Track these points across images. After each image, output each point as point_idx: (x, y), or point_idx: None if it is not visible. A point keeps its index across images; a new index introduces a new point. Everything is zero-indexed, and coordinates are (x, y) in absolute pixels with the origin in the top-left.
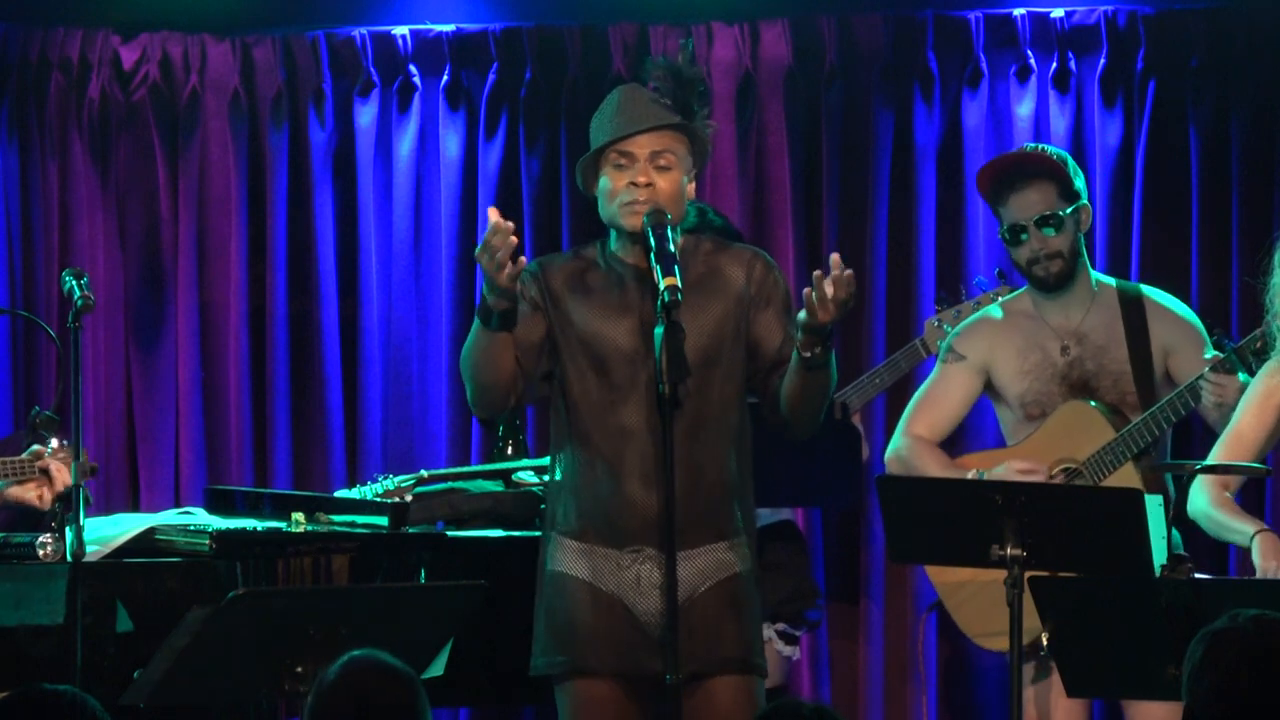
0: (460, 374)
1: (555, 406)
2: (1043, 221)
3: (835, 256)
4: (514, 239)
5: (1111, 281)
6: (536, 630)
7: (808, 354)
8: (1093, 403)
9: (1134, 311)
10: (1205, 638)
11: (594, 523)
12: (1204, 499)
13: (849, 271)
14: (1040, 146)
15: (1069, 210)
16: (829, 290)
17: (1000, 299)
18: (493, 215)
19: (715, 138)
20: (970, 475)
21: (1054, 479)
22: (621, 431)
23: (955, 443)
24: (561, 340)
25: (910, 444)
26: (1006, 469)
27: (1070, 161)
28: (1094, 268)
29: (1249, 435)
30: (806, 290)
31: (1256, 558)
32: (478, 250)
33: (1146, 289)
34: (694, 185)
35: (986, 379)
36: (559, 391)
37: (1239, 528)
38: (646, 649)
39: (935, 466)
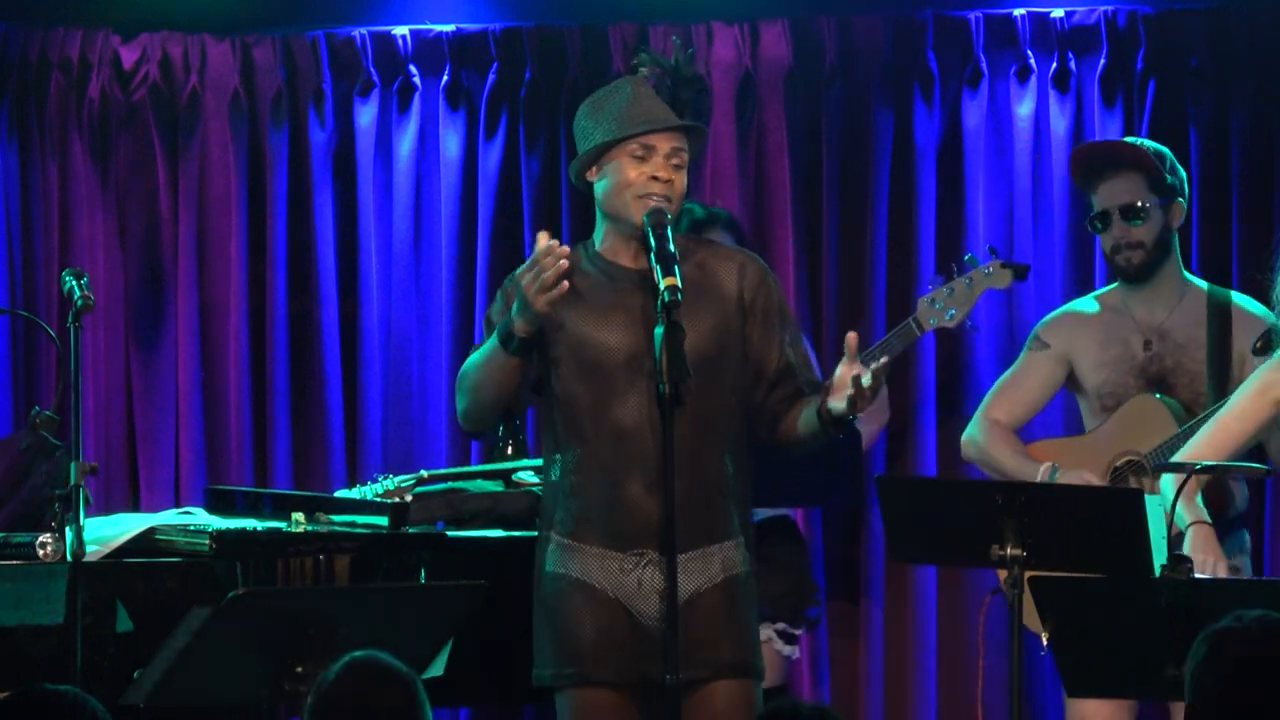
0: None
1: (547, 410)
2: (1126, 211)
3: (851, 340)
4: (565, 263)
5: (1204, 284)
6: (538, 638)
7: (833, 430)
8: (1159, 395)
9: (1220, 315)
10: (1208, 637)
11: (594, 525)
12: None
13: (884, 360)
14: (1139, 140)
15: (1156, 203)
16: (864, 382)
17: (1094, 293)
18: (543, 238)
19: (715, 138)
20: (1044, 468)
21: (1116, 468)
22: (620, 433)
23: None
24: (551, 347)
25: (986, 428)
26: (1078, 478)
27: (1168, 157)
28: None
29: (1234, 426)
30: (838, 378)
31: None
32: (521, 269)
33: (1237, 295)
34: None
35: (1069, 369)
36: (551, 396)
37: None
38: (648, 655)
39: (1008, 453)
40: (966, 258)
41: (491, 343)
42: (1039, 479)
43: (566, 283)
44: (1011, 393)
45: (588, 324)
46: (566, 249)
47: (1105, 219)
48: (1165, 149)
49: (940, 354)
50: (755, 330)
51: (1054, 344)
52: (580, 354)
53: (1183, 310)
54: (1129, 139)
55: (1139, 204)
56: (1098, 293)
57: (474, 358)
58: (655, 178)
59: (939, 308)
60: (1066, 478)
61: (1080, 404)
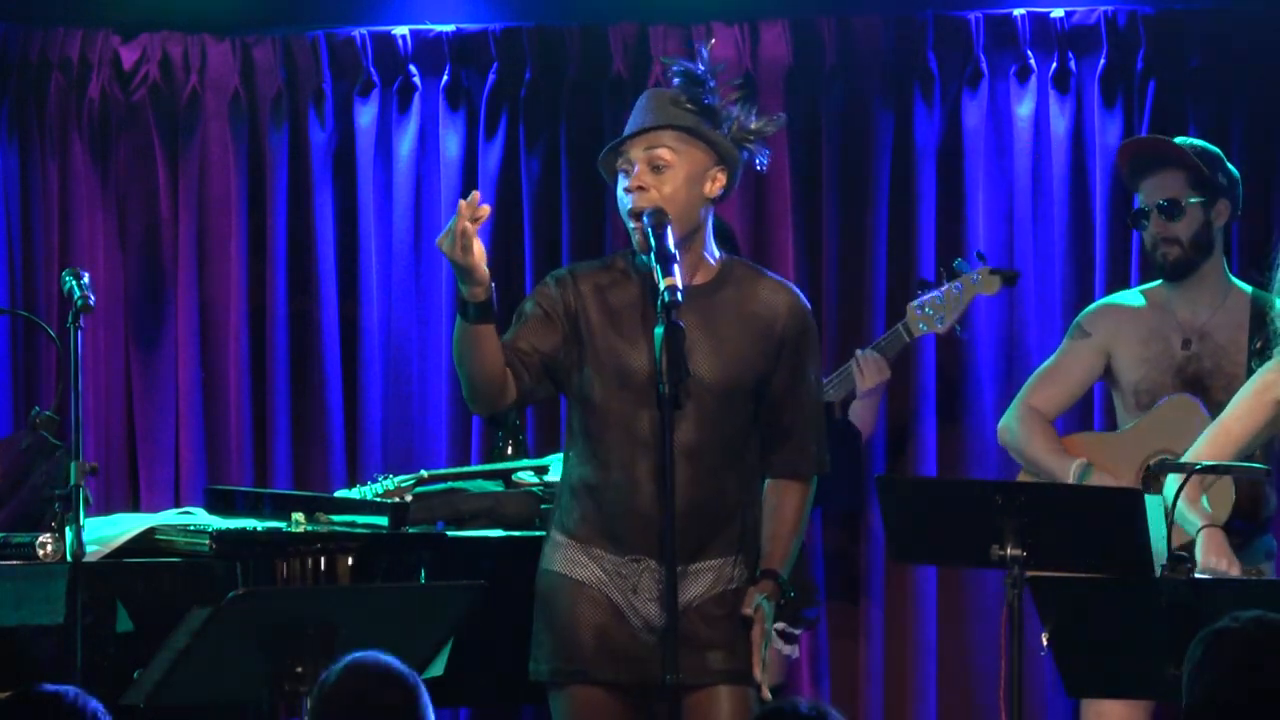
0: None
1: (573, 410)
2: (1164, 208)
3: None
4: (484, 210)
5: (1247, 287)
6: (536, 633)
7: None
8: (1194, 397)
9: (1263, 319)
10: (1205, 638)
11: (599, 528)
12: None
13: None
14: (1189, 140)
15: (1195, 200)
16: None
17: (1139, 287)
18: (471, 199)
19: (736, 117)
20: (1075, 465)
21: (1149, 466)
22: (637, 442)
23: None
24: (587, 351)
25: (1023, 416)
26: (1111, 480)
27: (1214, 156)
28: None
29: (1235, 427)
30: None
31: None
32: (440, 236)
33: None
34: (715, 184)
35: (1108, 360)
36: (578, 399)
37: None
38: (645, 657)
39: (1042, 448)
40: (955, 263)
41: (458, 320)
42: (1071, 477)
43: (487, 207)
44: (1051, 381)
45: (619, 340)
46: (487, 208)
47: (1145, 215)
48: (1215, 149)
49: (940, 355)
50: (781, 377)
51: (1095, 333)
52: (610, 366)
53: (1225, 312)
54: (1179, 139)
55: (1175, 200)
56: (1143, 287)
57: (453, 338)
58: (627, 190)
59: (929, 314)
60: (1099, 479)
61: (1115, 399)
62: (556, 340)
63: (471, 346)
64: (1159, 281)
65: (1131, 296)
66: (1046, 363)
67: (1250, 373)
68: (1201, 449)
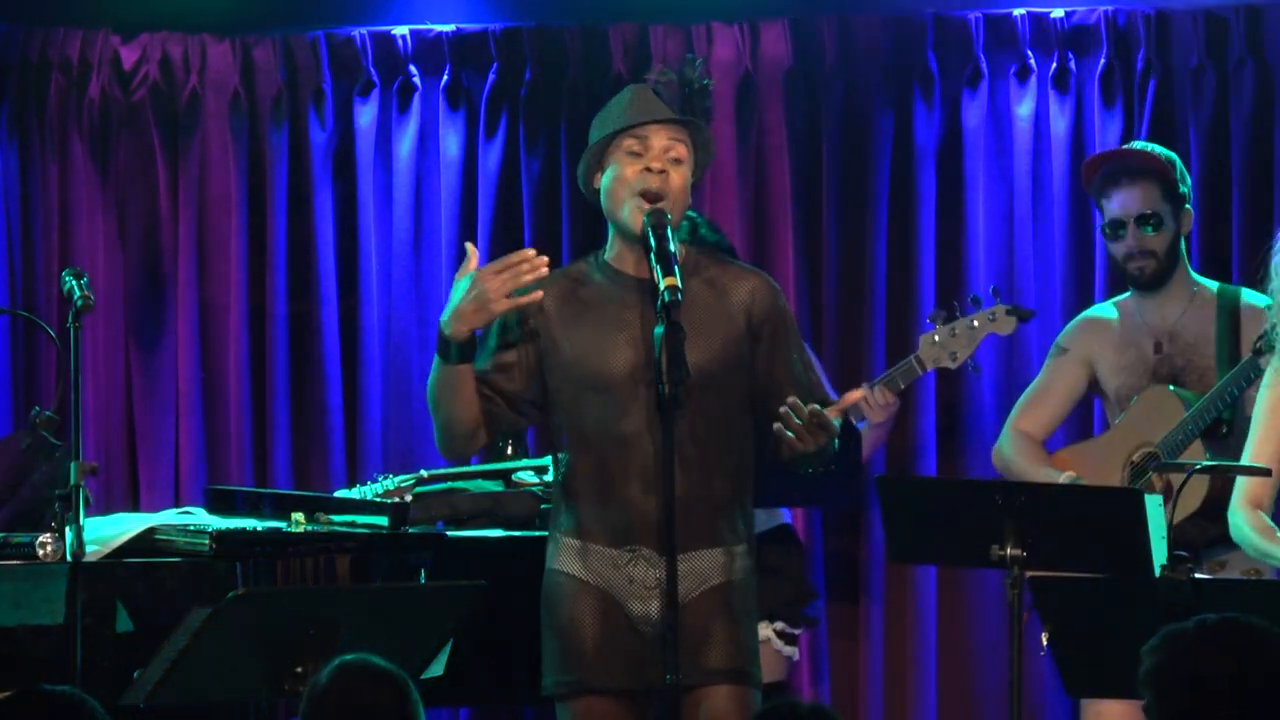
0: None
1: (549, 417)
2: (1143, 219)
3: (793, 401)
4: (545, 270)
5: (1213, 285)
6: (543, 644)
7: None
8: (1171, 386)
9: (1230, 312)
10: (1147, 676)
11: (592, 524)
12: (1246, 525)
13: (817, 413)
14: (1149, 146)
15: (1169, 211)
16: (797, 425)
17: (1112, 300)
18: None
19: (715, 138)
20: (1064, 479)
21: (1134, 462)
22: (622, 441)
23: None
24: (553, 365)
25: (1013, 440)
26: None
27: (1178, 164)
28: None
29: (1267, 447)
30: (777, 427)
31: None
32: (485, 267)
33: (1247, 293)
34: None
35: (1092, 372)
36: (553, 406)
37: None
38: (646, 658)
39: (1028, 460)
40: (970, 298)
41: (436, 362)
42: None
43: (541, 293)
44: (1037, 403)
45: (591, 344)
46: (545, 260)
47: (1120, 227)
48: (1175, 155)
49: None
50: (764, 353)
51: (1074, 349)
52: (583, 374)
53: (1193, 310)
54: (1138, 144)
55: (1154, 212)
56: (1115, 299)
57: (430, 380)
58: (649, 169)
59: (941, 347)
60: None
61: (1106, 409)
62: (526, 378)
63: (451, 389)
64: (1129, 292)
65: (1104, 309)
66: (1031, 385)
67: (1222, 363)
68: (1245, 480)
